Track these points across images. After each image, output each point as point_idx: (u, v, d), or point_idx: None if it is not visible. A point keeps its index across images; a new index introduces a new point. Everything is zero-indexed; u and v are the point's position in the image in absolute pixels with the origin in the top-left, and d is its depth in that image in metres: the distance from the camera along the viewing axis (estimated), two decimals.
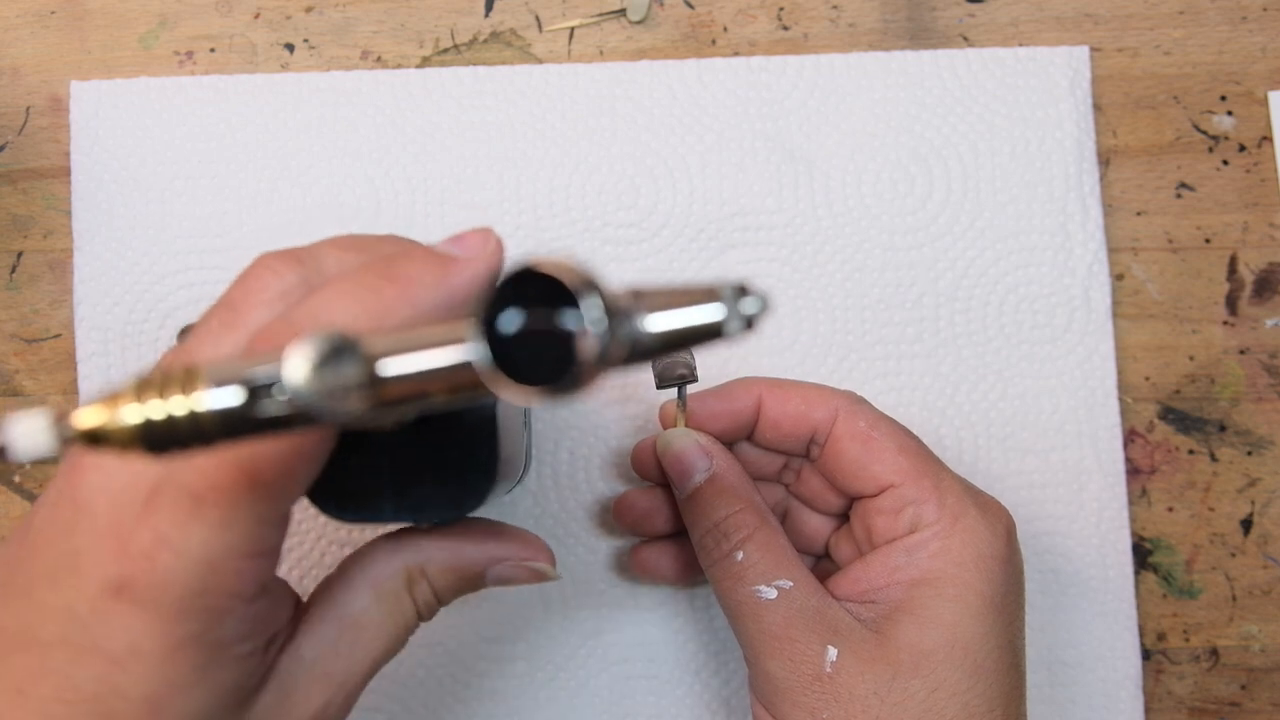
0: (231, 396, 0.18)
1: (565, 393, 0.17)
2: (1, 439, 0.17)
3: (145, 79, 0.44)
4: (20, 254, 0.44)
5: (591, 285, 0.17)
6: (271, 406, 0.18)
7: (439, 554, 0.28)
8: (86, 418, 0.18)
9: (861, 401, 0.36)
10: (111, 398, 0.18)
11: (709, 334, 0.18)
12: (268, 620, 0.25)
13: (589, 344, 0.17)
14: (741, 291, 0.18)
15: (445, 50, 0.45)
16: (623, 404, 0.43)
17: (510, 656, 0.42)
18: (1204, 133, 0.44)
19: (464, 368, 0.18)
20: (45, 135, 0.44)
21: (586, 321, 0.17)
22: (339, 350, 0.18)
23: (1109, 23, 0.45)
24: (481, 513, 0.43)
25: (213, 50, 0.45)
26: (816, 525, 0.38)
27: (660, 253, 0.43)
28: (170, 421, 0.18)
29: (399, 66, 0.45)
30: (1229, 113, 0.44)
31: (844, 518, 0.38)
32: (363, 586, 0.27)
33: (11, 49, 0.45)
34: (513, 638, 0.42)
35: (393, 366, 0.18)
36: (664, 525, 0.39)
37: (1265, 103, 0.44)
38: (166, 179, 0.44)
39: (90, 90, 0.44)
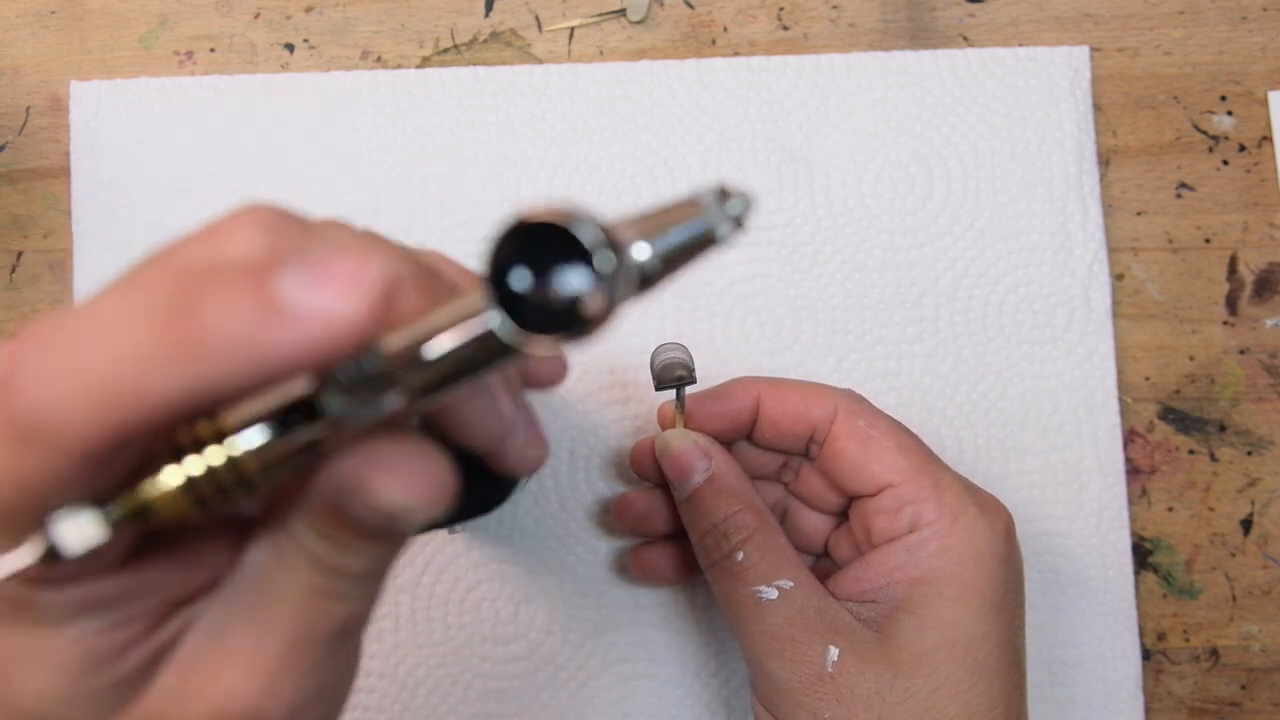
0: (261, 434, 0.18)
1: (586, 335, 0.17)
2: (51, 539, 0.17)
3: (145, 79, 0.44)
4: (20, 254, 0.44)
5: (591, 224, 0.16)
6: (305, 432, 0.18)
7: (310, 489, 0.20)
8: (132, 496, 0.18)
9: (860, 400, 0.36)
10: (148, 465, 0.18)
11: (705, 244, 0.18)
12: (125, 593, 0.20)
13: (601, 284, 0.16)
14: (724, 194, 0.18)
15: (445, 50, 0.45)
16: (623, 404, 0.43)
17: (510, 656, 0.42)
18: (1204, 133, 0.44)
19: (485, 337, 0.18)
20: (45, 135, 0.44)
21: (595, 262, 0.16)
22: (362, 363, 0.17)
23: (1109, 23, 0.45)
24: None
25: (213, 50, 0.45)
26: (816, 524, 0.38)
27: None
28: (211, 473, 0.18)
29: (399, 66, 0.45)
30: (1229, 113, 0.44)
31: (843, 516, 0.38)
32: (264, 538, 0.21)
33: (11, 49, 0.45)
34: (513, 638, 0.42)
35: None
36: (663, 526, 0.39)
37: (1265, 103, 0.44)
38: (166, 179, 0.44)
39: (90, 90, 0.44)
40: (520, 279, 0.17)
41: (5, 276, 0.44)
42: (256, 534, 0.21)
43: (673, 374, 0.36)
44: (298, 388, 0.18)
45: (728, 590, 0.34)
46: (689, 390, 0.36)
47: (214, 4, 0.45)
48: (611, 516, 0.42)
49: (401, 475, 0.19)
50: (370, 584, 0.21)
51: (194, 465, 0.18)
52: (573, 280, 0.17)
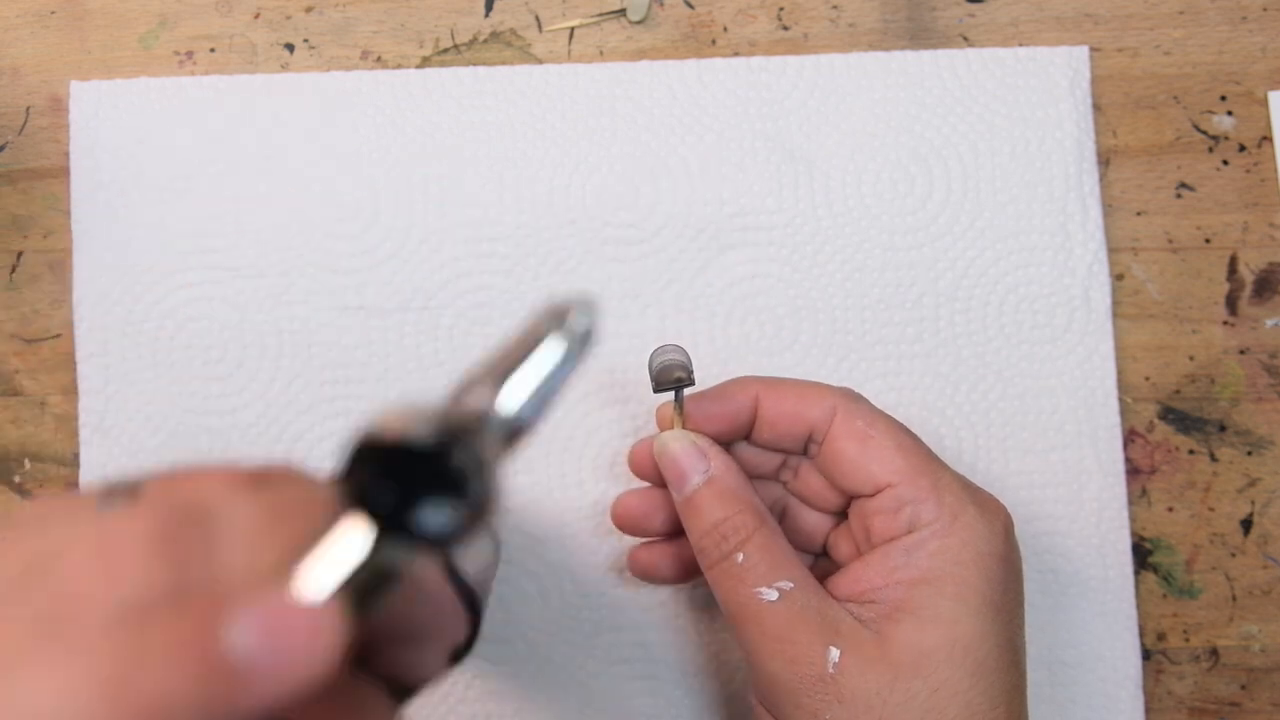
0: None
1: (468, 535, 0.16)
2: None
3: (145, 79, 0.44)
4: (20, 254, 0.44)
5: (439, 437, 0.15)
6: None
7: None
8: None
9: (859, 399, 0.36)
10: None
11: (561, 369, 0.17)
12: None
13: (466, 494, 0.16)
14: (562, 314, 0.17)
15: (445, 50, 0.45)
16: (622, 404, 0.43)
17: (510, 657, 0.42)
18: (1204, 133, 0.44)
19: (366, 564, 0.16)
20: (45, 135, 0.44)
21: (455, 466, 0.16)
22: None
23: (1109, 23, 0.45)
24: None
25: (213, 50, 0.45)
26: (815, 523, 0.38)
27: (660, 253, 0.43)
28: None
29: (399, 66, 0.45)
30: (1229, 113, 0.44)
31: (843, 516, 0.38)
32: None
33: (11, 49, 0.45)
34: (513, 638, 0.42)
35: (315, 584, 0.16)
36: (662, 526, 0.39)
37: (1265, 103, 0.44)
38: (166, 179, 0.44)
39: (90, 90, 0.44)
40: (384, 500, 0.16)
41: (5, 276, 0.44)
42: None
43: (671, 376, 0.36)
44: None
45: (728, 591, 0.34)
46: (687, 391, 0.36)
47: (214, 4, 0.45)
48: (610, 517, 0.42)
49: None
50: None
51: None
52: (434, 494, 0.16)
